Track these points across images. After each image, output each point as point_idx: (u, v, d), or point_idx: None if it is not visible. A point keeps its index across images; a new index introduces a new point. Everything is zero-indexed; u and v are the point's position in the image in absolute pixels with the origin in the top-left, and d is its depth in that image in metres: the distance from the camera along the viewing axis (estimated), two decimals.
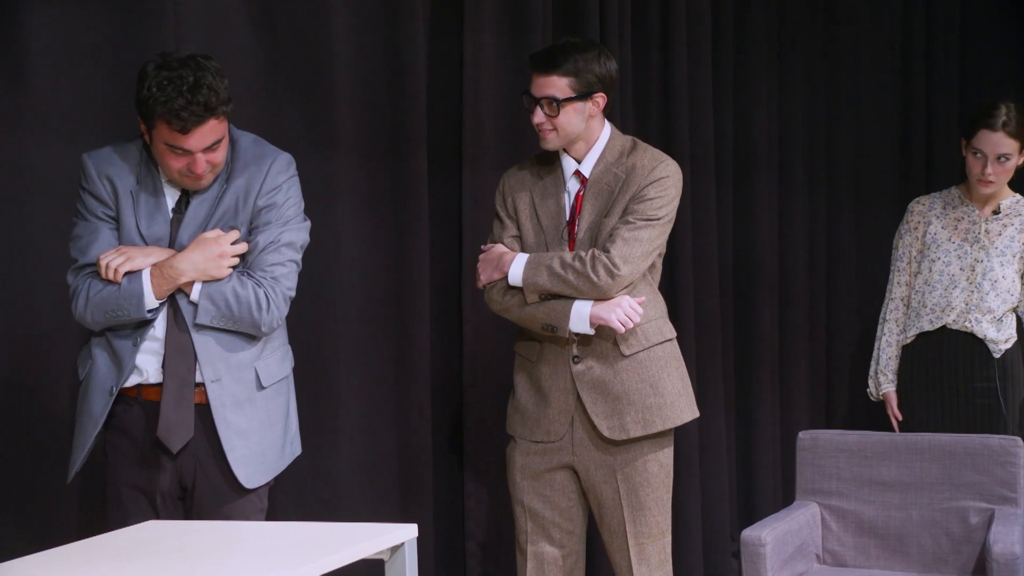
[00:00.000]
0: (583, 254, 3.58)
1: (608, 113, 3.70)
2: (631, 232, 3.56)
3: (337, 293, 4.34)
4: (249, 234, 3.39)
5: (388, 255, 4.49)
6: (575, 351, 3.63)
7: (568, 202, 3.68)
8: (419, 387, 4.50)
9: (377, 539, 2.79)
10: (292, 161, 3.49)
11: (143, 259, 3.29)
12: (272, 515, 3.69)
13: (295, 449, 3.58)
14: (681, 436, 5.03)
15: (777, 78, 5.47)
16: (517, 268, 3.65)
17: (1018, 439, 4.13)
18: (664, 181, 3.61)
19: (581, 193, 3.66)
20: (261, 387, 3.43)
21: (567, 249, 3.65)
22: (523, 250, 3.72)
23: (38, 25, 3.62)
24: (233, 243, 3.35)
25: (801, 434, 4.46)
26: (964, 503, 4.03)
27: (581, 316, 3.55)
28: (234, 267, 3.35)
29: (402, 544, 2.86)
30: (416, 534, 2.90)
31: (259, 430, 3.42)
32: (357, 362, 4.39)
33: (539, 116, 3.64)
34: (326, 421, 4.32)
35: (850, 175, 5.78)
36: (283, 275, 3.41)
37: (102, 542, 2.79)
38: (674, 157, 5.16)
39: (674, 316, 5.08)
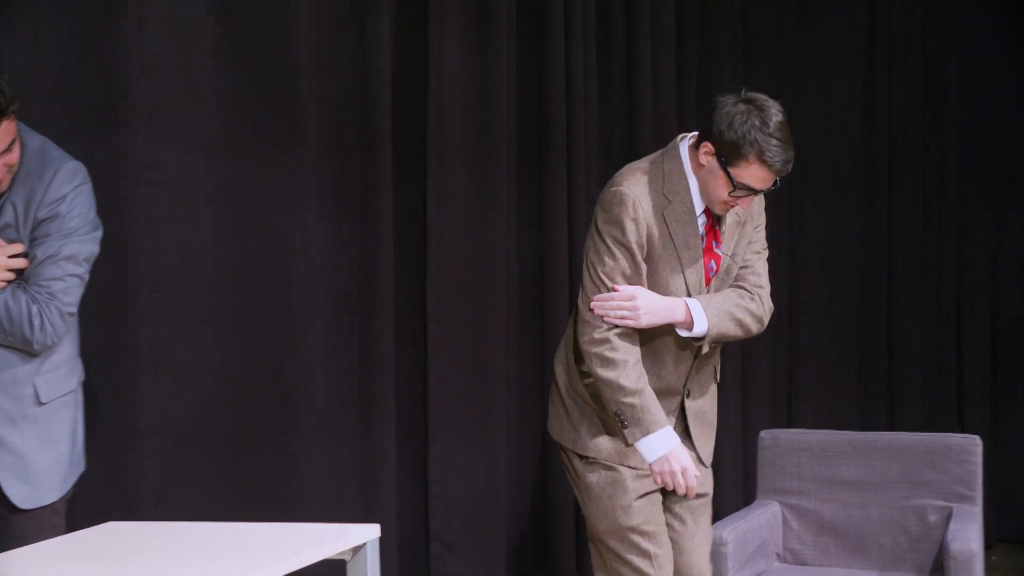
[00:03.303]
0: (748, 294, 3.41)
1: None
2: (763, 264, 3.49)
3: (301, 292, 4.33)
4: (30, 246, 3.24)
5: (352, 254, 4.48)
6: (688, 384, 3.48)
7: (700, 231, 3.38)
8: (383, 386, 4.50)
9: (339, 539, 2.79)
10: (80, 170, 3.34)
11: None
12: (233, 515, 3.68)
13: (80, 467, 3.43)
14: None
15: (742, 80, 5.50)
16: (701, 318, 3.34)
17: (976, 438, 4.17)
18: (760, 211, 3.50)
19: (711, 225, 3.40)
20: (40, 403, 3.29)
21: (703, 278, 3.40)
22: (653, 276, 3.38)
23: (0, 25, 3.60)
24: (16, 256, 3.21)
25: (762, 433, 4.49)
26: (923, 501, 4.07)
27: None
28: (11, 280, 3.21)
29: (364, 544, 2.86)
30: (379, 534, 2.90)
31: (37, 448, 3.28)
32: (321, 361, 4.39)
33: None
34: (289, 420, 4.31)
35: (815, 175, 5.81)
36: (61, 290, 3.26)
37: (61, 543, 2.79)
38: (638, 156, 5.18)
39: None
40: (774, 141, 3.19)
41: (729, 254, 3.43)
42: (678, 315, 3.32)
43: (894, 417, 6.07)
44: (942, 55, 6.08)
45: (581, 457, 3.43)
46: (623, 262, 3.32)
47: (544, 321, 4.92)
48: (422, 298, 4.67)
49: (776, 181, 3.27)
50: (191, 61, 4.05)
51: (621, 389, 3.29)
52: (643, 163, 3.44)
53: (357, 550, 2.86)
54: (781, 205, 5.62)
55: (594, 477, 3.41)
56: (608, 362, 3.31)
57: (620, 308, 3.29)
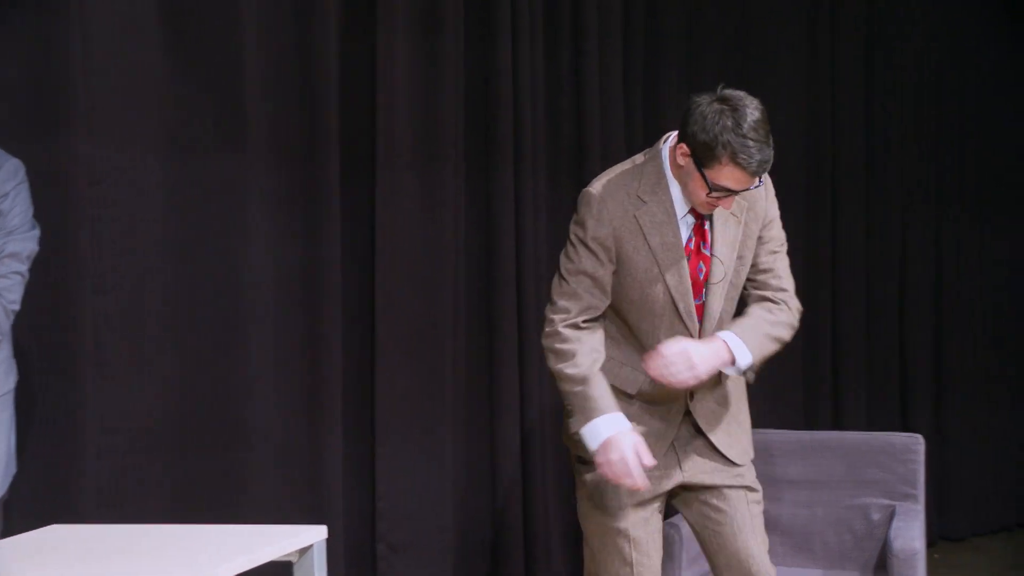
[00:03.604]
0: (775, 304, 3.33)
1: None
2: (782, 263, 3.39)
3: (247, 294, 4.31)
4: None
5: (300, 255, 4.47)
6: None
7: (685, 233, 3.30)
8: (330, 387, 4.49)
9: (285, 540, 2.78)
10: (20, 167, 3.34)
11: None
12: (178, 518, 3.66)
13: (13, 469, 3.40)
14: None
15: (688, 77, 5.53)
16: (743, 352, 3.25)
17: (919, 437, 4.22)
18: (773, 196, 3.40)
19: (699, 226, 3.31)
20: None
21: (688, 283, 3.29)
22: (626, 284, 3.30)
23: None
24: None
25: None
26: (867, 500, 4.11)
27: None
28: None
29: (311, 545, 2.86)
30: (325, 535, 2.89)
31: None
32: (268, 362, 4.37)
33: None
34: (236, 422, 4.29)
35: None
36: (5, 288, 3.27)
37: (4, 546, 2.76)
38: (586, 155, 5.25)
39: None
40: (748, 141, 3.09)
41: (734, 256, 3.32)
42: (724, 356, 3.23)
43: (839, 416, 6.13)
44: (885, 51, 6.13)
45: (579, 458, 3.39)
46: (585, 260, 3.29)
47: (492, 320, 4.93)
48: (370, 298, 4.66)
49: (758, 181, 3.19)
50: (135, 60, 4.02)
51: (565, 378, 3.25)
52: (625, 163, 3.39)
53: (304, 551, 2.85)
54: None
55: (588, 477, 3.36)
56: (557, 353, 3.28)
57: (675, 365, 3.16)
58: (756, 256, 3.38)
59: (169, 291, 4.16)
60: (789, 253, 3.42)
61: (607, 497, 3.31)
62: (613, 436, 3.17)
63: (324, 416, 4.47)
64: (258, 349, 4.33)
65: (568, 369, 3.24)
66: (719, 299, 3.33)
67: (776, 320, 3.32)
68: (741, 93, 3.18)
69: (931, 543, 6.06)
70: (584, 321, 3.29)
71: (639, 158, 3.37)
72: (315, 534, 2.86)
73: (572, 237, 3.33)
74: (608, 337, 3.37)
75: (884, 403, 6.13)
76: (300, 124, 4.43)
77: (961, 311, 6.31)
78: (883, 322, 6.14)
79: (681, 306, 3.30)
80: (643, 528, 3.30)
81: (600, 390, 3.23)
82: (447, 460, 4.76)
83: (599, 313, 3.31)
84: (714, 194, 3.17)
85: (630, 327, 3.35)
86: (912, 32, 6.19)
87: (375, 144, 4.63)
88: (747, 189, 3.18)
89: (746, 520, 3.35)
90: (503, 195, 4.92)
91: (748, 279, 3.39)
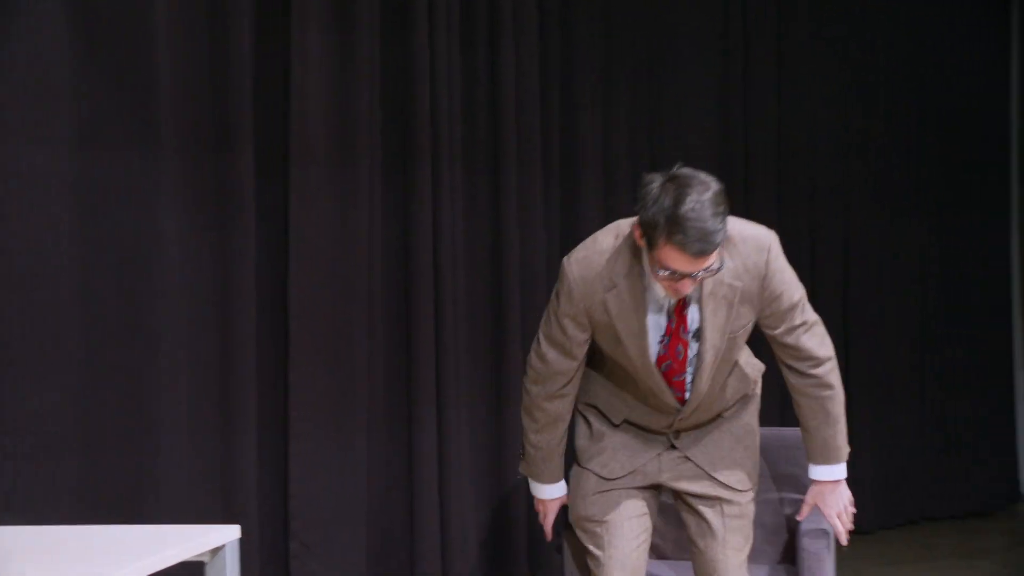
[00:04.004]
0: (815, 380, 3.39)
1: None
2: (810, 339, 3.37)
3: (159, 291, 4.26)
4: None
5: (213, 252, 4.43)
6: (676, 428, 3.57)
7: (659, 318, 3.29)
8: (244, 385, 4.46)
9: (196, 540, 2.76)
10: None
11: None
12: (88, 519, 3.61)
13: None
14: (510, 434, 5.08)
15: (604, 74, 5.55)
16: (840, 470, 3.55)
17: None
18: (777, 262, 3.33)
19: (680, 309, 3.27)
20: None
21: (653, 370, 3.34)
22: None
23: None
24: None
25: None
26: (778, 495, 4.15)
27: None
28: None
29: (223, 545, 2.83)
30: (238, 535, 2.87)
31: None
32: (180, 360, 4.33)
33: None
34: (149, 422, 4.25)
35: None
36: None
37: None
38: (502, 156, 5.26)
39: (504, 317, 5.13)
40: (684, 222, 2.99)
41: (725, 339, 3.29)
42: (840, 477, 3.56)
43: None
44: (795, 51, 6.20)
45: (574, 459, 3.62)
46: (558, 333, 3.37)
47: (409, 318, 4.92)
48: (283, 296, 4.64)
49: (710, 266, 3.08)
50: (45, 55, 3.96)
51: (528, 439, 3.56)
52: (610, 233, 3.30)
53: (216, 551, 2.83)
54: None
55: (570, 471, 3.60)
56: (529, 415, 3.52)
57: (848, 520, 3.57)
58: (776, 331, 3.36)
59: (78, 289, 4.10)
60: None
61: (579, 488, 3.52)
62: (545, 499, 3.64)
63: (237, 415, 4.44)
64: (170, 347, 4.29)
65: (532, 435, 3.54)
66: (705, 379, 3.37)
67: (823, 398, 3.42)
68: (693, 172, 3.11)
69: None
70: (558, 390, 3.46)
71: (625, 227, 3.27)
72: (227, 533, 2.84)
73: (550, 306, 3.41)
74: (601, 371, 3.50)
75: None
76: (213, 120, 4.39)
77: (868, 309, 6.41)
78: None
79: (651, 382, 3.38)
80: (612, 514, 3.46)
81: (552, 463, 3.58)
82: (362, 459, 4.75)
83: (571, 376, 3.45)
84: (664, 275, 3.11)
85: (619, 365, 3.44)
86: (823, 32, 6.27)
87: (289, 140, 4.61)
88: (699, 273, 3.08)
89: (718, 530, 3.48)
90: (420, 191, 4.91)
91: (779, 346, 3.39)
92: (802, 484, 3.90)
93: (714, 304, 3.25)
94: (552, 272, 5.31)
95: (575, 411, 3.58)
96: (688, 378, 3.39)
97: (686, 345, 3.32)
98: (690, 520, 3.54)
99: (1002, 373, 6.93)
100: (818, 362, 3.39)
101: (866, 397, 6.32)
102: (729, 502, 3.50)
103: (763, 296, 3.29)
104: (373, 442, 4.82)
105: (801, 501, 3.89)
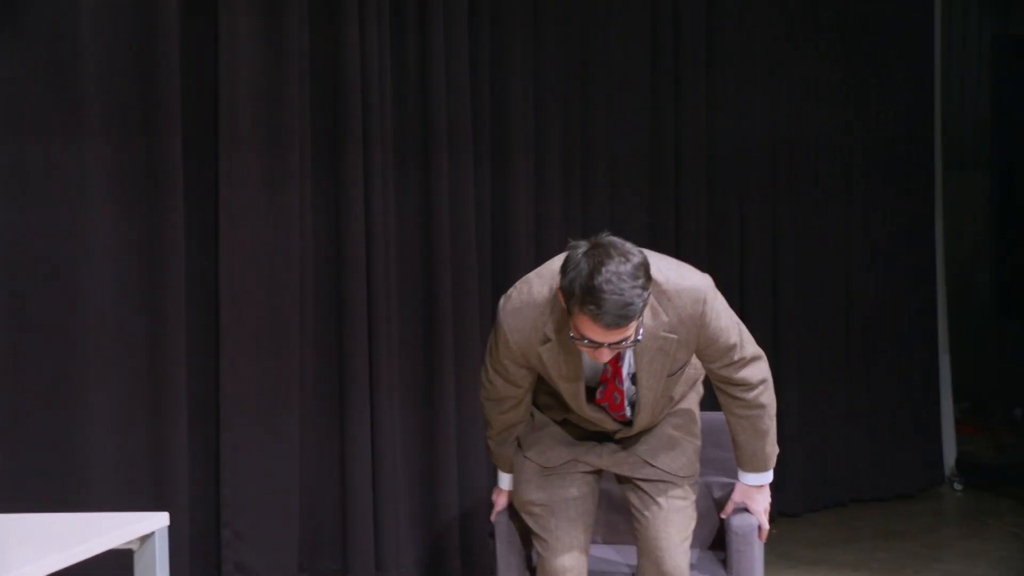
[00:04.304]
0: (747, 403, 3.44)
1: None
2: (745, 371, 3.40)
3: (87, 280, 4.22)
4: None
5: (142, 238, 4.39)
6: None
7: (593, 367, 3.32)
8: (174, 372, 4.42)
9: (125, 528, 2.74)
10: None
11: None
12: (15, 508, 3.56)
13: None
14: (442, 421, 5.08)
15: (533, 61, 5.54)
16: (765, 476, 3.65)
17: None
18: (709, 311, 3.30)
19: (615, 361, 3.29)
20: None
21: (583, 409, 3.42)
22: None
23: None
24: None
25: None
26: (708, 479, 4.19)
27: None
28: None
29: (152, 533, 2.81)
30: (167, 522, 2.85)
31: None
32: (109, 348, 4.29)
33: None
34: (77, 409, 4.21)
35: (604, 160, 5.89)
36: None
37: None
38: (432, 141, 5.23)
39: (436, 303, 5.12)
40: (599, 293, 2.95)
41: (662, 381, 3.35)
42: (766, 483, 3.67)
43: None
44: (723, 40, 6.23)
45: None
46: (497, 365, 3.42)
47: (341, 304, 4.90)
48: (214, 282, 4.60)
49: (626, 338, 3.05)
50: None
51: (487, 433, 3.67)
52: (545, 284, 3.25)
53: (145, 539, 2.81)
54: (572, 190, 5.70)
55: (515, 458, 3.65)
56: (485, 419, 3.64)
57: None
58: (712, 365, 3.38)
59: (3, 275, 4.04)
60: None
61: (520, 474, 3.58)
62: (501, 487, 3.73)
63: (167, 402, 4.41)
64: (98, 334, 4.25)
65: (489, 439, 3.67)
66: (647, 409, 3.43)
67: (751, 417, 3.49)
68: (617, 241, 3.05)
69: (770, 520, 6.23)
70: (508, 408, 3.54)
71: (559, 278, 3.14)
72: (156, 521, 2.82)
73: (490, 341, 3.44)
74: (546, 386, 3.52)
75: None
76: (140, 104, 4.34)
77: (796, 296, 6.47)
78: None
79: (590, 415, 3.44)
80: (550, 499, 3.49)
81: (507, 457, 3.65)
82: (294, 447, 4.73)
83: (520, 397, 3.51)
84: (580, 342, 3.08)
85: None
86: (747, 22, 6.31)
87: (218, 125, 4.57)
88: (619, 341, 3.05)
89: (664, 504, 3.49)
90: (351, 177, 4.89)
91: (713, 374, 3.43)
92: (729, 468, 3.94)
93: (649, 357, 3.29)
94: (484, 260, 5.33)
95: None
96: (628, 412, 3.45)
97: (622, 393, 3.39)
98: (633, 497, 3.56)
99: (927, 358, 7.04)
100: (751, 387, 3.43)
101: (795, 383, 6.39)
102: (672, 484, 3.54)
103: (700, 340, 3.32)
104: (305, 430, 4.80)
105: (728, 484, 3.93)
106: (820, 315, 6.56)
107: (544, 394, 3.59)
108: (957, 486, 7.03)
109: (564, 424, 3.57)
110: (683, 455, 3.57)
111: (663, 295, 3.21)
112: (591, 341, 3.05)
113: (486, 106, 5.35)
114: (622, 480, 3.60)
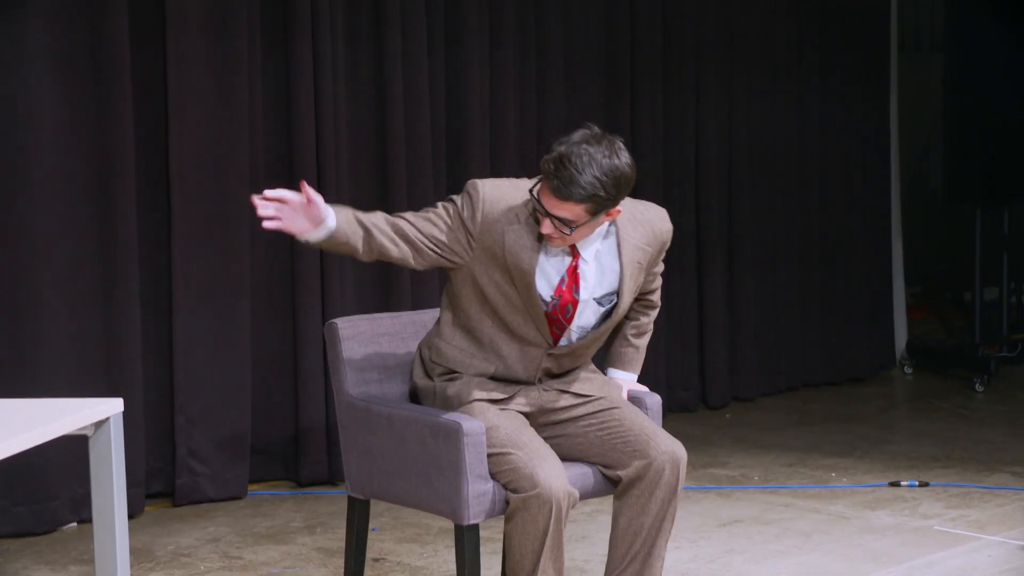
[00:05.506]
0: (652, 301, 3.48)
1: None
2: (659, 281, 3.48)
3: (34, 164, 4.16)
4: None
5: (89, 123, 4.33)
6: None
7: (554, 271, 3.23)
8: (125, 258, 4.39)
9: (79, 413, 2.71)
10: None
11: None
12: None
13: None
14: (396, 306, 5.08)
15: (489, 56, 5.42)
16: (630, 376, 3.53)
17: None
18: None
19: (573, 267, 3.24)
20: None
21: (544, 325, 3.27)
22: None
23: None
24: None
25: None
26: None
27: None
28: None
29: (107, 419, 2.79)
30: (121, 408, 2.83)
31: None
32: (59, 234, 4.25)
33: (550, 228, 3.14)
34: (27, 294, 4.18)
35: (559, 47, 5.81)
36: None
37: None
38: (384, 20, 5.08)
39: (389, 188, 5.06)
40: (565, 161, 3.03)
41: (632, 297, 3.31)
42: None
43: None
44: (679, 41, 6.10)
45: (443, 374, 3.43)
46: (433, 217, 3.19)
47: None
48: (164, 167, 4.55)
49: (567, 221, 3.07)
50: None
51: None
52: (531, 181, 3.22)
53: (99, 425, 2.79)
54: (527, 82, 5.63)
55: (450, 391, 3.36)
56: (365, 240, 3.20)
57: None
58: (644, 291, 3.44)
59: None
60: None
61: (473, 411, 3.28)
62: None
63: (119, 288, 4.39)
64: (47, 219, 4.20)
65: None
66: (589, 338, 3.32)
67: (649, 328, 3.52)
68: (622, 146, 3.11)
69: (724, 404, 6.32)
70: (381, 251, 3.18)
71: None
72: (110, 407, 2.80)
73: (436, 206, 3.23)
74: (463, 336, 3.33)
75: (682, 274, 6.23)
76: None
77: (750, 184, 6.45)
78: (679, 193, 6.23)
79: (531, 312, 3.25)
80: (512, 421, 3.26)
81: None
82: (246, 332, 4.72)
83: (398, 241, 3.17)
84: (540, 208, 3.09)
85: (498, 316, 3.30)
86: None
87: (165, 9, 4.48)
88: (560, 219, 3.06)
89: (628, 408, 3.35)
90: (300, 61, 4.80)
91: (641, 300, 3.47)
92: None
93: (631, 271, 3.28)
94: (437, 143, 5.26)
95: (431, 381, 3.41)
96: (573, 335, 3.31)
97: (575, 305, 3.27)
98: (589, 421, 3.38)
99: (880, 241, 7.07)
100: (655, 291, 3.50)
101: (748, 270, 6.41)
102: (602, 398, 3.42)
103: (655, 263, 3.38)
104: (258, 315, 4.78)
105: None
106: (774, 202, 6.56)
107: (462, 348, 3.36)
108: (907, 369, 7.12)
109: (492, 379, 3.38)
110: (599, 377, 3.46)
111: (639, 211, 3.32)
112: (541, 207, 3.11)
113: (441, 104, 5.24)
114: (557, 423, 3.42)
